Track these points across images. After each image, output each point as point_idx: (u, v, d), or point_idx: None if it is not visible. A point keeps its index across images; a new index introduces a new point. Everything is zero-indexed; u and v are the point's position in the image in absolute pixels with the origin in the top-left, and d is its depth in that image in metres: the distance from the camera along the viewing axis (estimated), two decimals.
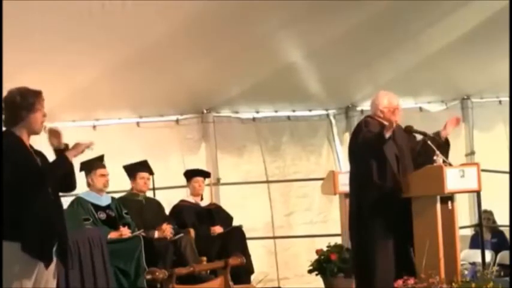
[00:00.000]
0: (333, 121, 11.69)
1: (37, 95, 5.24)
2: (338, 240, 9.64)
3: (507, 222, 10.10)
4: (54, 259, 5.24)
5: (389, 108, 7.37)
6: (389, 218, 7.12)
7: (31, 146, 5.30)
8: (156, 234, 8.49)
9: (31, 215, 5.08)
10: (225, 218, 9.46)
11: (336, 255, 9.34)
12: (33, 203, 5.09)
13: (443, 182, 6.89)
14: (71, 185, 5.50)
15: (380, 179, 7.14)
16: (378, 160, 7.16)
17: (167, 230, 8.56)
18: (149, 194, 9.27)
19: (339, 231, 9.73)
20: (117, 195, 8.88)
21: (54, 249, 5.22)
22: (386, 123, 7.31)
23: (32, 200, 5.09)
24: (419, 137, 7.59)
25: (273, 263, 10.93)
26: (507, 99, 11.61)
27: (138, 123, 10.33)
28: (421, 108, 11.99)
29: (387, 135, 6.99)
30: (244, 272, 8.84)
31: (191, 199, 9.42)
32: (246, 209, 10.54)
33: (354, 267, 7.77)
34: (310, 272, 9.60)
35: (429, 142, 7.27)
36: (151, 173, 9.03)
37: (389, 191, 7.13)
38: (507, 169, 10.41)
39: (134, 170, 8.93)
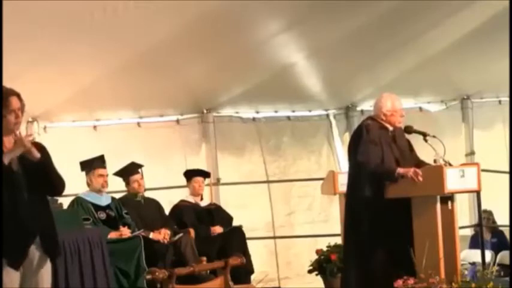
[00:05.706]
0: (333, 121, 11.71)
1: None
2: (339, 239, 9.63)
3: (507, 222, 10.09)
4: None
5: (392, 112, 7.37)
6: (387, 218, 7.13)
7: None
8: (151, 235, 8.42)
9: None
10: (225, 218, 9.46)
11: (335, 255, 9.35)
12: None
13: (443, 182, 6.88)
14: (52, 186, 5.29)
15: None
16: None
17: (165, 235, 8.52)
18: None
19: (340, 231, 9.73)
20: (117, 196, 8.87)
21: (36, 246, 5.17)
22: (388, 125, 7.32)
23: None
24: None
25: (274, 263, 10.93)
26: (507, 99, 11.62)
27: (138, 124, 10.33)
28: (421, 108, 12.01)
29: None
30: (244, 272, 8.85)
31: (191, 199, 9.42)
32: (246, 209, 10.54)
33: (347, 266, 7.72)
34: (310, 272, 9.61)
35: (429, 142, 7.28)
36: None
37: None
38: (507, 169, 10.42)
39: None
